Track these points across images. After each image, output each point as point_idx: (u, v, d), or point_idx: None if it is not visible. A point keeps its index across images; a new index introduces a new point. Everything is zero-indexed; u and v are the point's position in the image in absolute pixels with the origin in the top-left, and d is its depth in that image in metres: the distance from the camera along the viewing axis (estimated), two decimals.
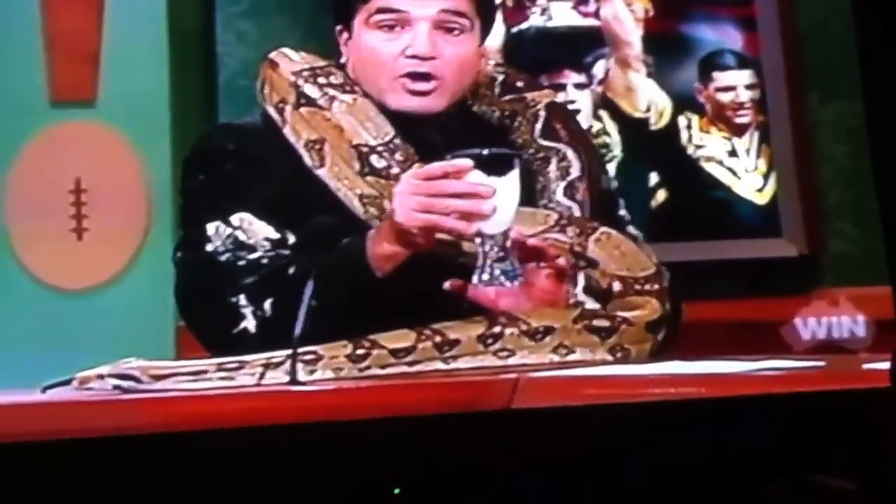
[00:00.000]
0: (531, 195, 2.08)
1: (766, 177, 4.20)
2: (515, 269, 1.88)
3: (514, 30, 4.26)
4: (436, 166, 1.90)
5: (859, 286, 3.82)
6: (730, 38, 4.26)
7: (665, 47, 4.28)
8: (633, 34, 4.29)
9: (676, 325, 2.07)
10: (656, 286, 1.99)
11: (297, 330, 1.68)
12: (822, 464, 1.66)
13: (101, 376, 1.74)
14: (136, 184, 4.07)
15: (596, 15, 4.31)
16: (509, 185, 1.86)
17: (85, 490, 1.48)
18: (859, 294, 3.83)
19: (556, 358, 1.88)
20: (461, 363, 1.85)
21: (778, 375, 1.73)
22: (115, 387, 1.73)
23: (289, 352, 1.73)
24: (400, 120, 2.08)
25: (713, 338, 2.18)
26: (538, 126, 2.16)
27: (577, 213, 2.09)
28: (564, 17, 4.31)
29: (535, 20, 4.30)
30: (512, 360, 1.87)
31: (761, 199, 4.19)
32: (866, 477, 1.63)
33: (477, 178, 1.86)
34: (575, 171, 2.13)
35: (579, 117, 4.06)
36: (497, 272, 1.86)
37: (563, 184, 2.12)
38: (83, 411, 1.48)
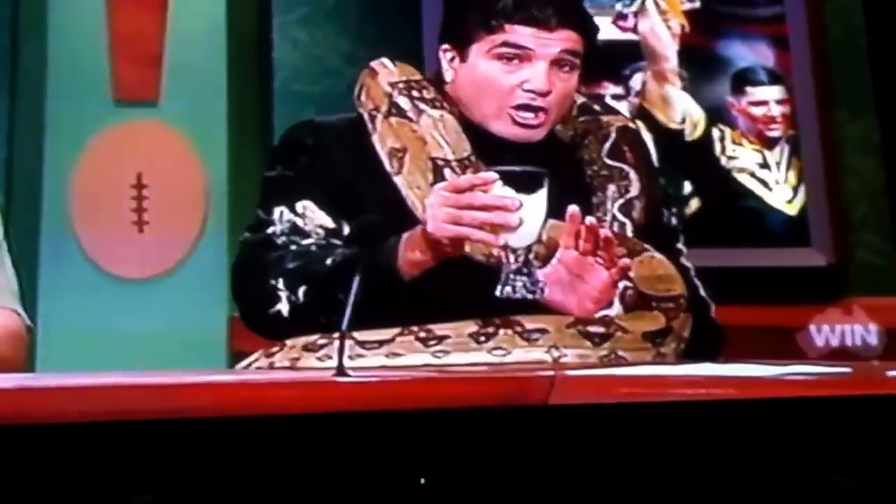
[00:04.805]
0: (587, 210, 2.03)
1: (795, 189, 4.16)
2: (537, 283, 1.84)
3: None
4: (464, 179, 1.90)
5: (885, 296, 3.77)
6: (762, 54, 4.22)
7: (700, 62, 4.24)
8: (669, 48, 4.26)
9: (707, 347, 2.01)
10: (671, 304, 1.94)
11: (344, 323, 1.65)
12: (839, 466, 1.63)
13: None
14: (195, 180, 4.07)
15: (634, 30, 4.28)
16: (537, 201, 1.84)
17: (126, 473, 1.46)
18: (880, 304, 3.78)
19: (548, 358, 1.85)
20: (453, 358, 1.84)
21: (805, 380, 1.71)
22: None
23: None
24: (492, 143, 2.05)
25: (741, 341, 2.15)
26: (607, 146, 2.13)
27: (629, 230, 2.06)
28: (604, 31, 4.28)
29: None
30: (509, 358, 1.85)
31: (791, 210, 4.15)
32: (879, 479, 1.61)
33: (506, 193, 1.84)
34: (634, 191, 2.10)
35: None
36: (518, 284, 1.83)
37: (620, 201, 2.09)
38: (129, 395, 1.46)
